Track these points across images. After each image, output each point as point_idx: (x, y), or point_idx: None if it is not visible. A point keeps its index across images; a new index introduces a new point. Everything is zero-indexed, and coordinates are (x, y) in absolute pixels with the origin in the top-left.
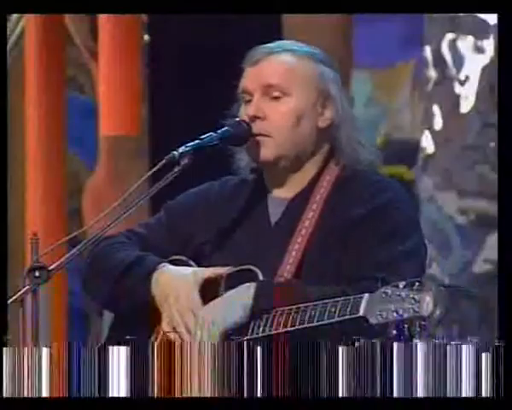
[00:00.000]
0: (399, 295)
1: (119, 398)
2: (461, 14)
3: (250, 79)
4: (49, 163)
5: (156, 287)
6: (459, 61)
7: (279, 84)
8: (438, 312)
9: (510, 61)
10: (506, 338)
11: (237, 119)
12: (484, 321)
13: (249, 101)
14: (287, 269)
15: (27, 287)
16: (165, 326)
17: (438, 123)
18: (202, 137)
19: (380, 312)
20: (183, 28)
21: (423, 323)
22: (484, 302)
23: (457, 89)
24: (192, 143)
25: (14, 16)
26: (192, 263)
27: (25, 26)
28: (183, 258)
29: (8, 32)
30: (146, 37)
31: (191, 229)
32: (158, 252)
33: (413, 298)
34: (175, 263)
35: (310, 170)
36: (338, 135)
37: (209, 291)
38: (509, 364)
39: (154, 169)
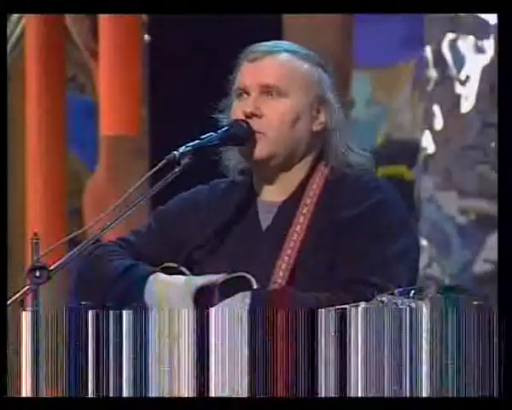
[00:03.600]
0: (395, 304)
1: (119, 398)
2: (461, 14)
3: (248, 75)
4: (49, 163)
5: (149, 296)
6: (459, 61)
7: (278, 85)
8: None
9: (510, 61)
10: (506, 338)
11: (236, 119)
12: (484, 321)
13: (244, 96)
14: (280, 275)
15: (27, 287)
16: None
17: (438, 123)
18: (202, 137)
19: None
20: (183, 28)
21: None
22: (484, 302)
23: (458, 89)
24: (192, 143)
25: (14, 16)
26: (184, 270)
27: (25, 27)
28: (175, 265)
29: (8, 33)
30: (146, 37)
31: (182, 235)
32: (150, 259)
33: (409, 306)
34: (167, 270)
35: (299, 172)
36: (330, 139)
37: (203, 300)
38: (510, 364)
39: (154, 169)
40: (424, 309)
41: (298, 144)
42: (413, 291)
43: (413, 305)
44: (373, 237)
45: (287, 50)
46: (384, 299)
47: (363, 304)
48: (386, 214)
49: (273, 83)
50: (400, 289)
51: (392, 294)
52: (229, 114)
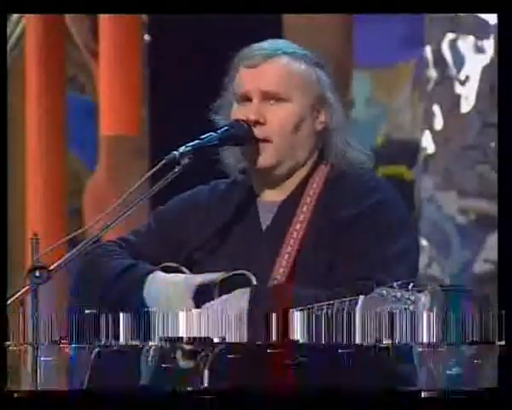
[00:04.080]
0: (395, 296)
1: (120, 390)
2: (461, 14)
3: (247, 81)
4: (49, 163)
5: (148, 295)
6: (459, 61)
7: (279, 90)
8: (434, 312)
9: (510, 61)
10: (506, 338)
11: (237, 119)
12: (484, 321)
13: (245, 102)
14: (280, 273)
15: (27, 287)
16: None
17: (438, 123)
18: (202, 137)
19: (376, 313)
20: (183, 28)
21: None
22: (484, 302)
23: (458, 89)
24: (192, 143)
25: (15, 16)
26: (184, 269)
27: (25, 27)
28: (175, 264)
29: (8, 33)
30: (146, 37)
31: (182, 235)
32: (150, 259)
33: (408, 298)
34: (167, 270)
35: (300, 172)
36: (330, 138)
37: (202, 298)
38: (510, 363)
39: (154, 169)
40: (424, 301)
41: (303, 147)
42: (412, 284)
43: (412, 298)
44: (373, 236)
45: (286, 53)
46: (383, 292)
47: (362, 297)
48: (386, 214)
49: (274, 89)
50: (399, 283)
51: (392, 287)
52: (225, 115)
